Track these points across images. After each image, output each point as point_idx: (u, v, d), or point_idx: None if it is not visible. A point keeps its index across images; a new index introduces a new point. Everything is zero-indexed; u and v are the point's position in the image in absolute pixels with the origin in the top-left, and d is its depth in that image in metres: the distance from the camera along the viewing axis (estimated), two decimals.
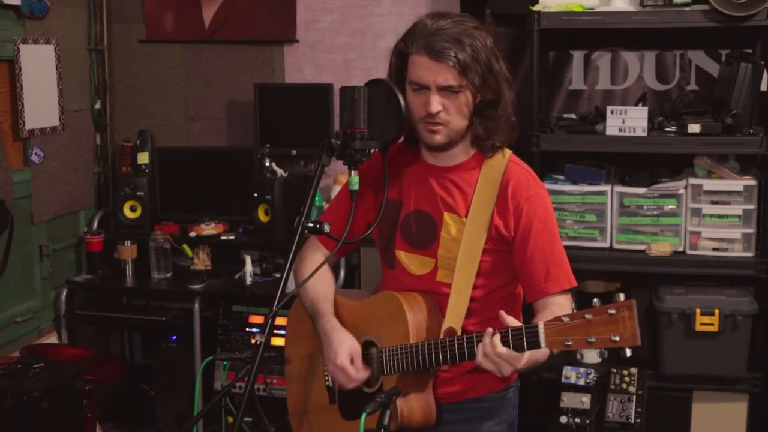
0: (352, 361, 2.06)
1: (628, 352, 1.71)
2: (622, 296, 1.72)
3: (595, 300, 1.77)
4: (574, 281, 2.07)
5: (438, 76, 1.97)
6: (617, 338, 1.70)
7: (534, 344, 1.80)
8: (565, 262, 2.07)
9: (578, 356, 1.80)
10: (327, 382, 2.22)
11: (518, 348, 1.82)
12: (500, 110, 2.04)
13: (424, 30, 1.99)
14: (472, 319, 2.06)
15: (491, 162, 2.09)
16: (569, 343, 1.75)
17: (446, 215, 2.09)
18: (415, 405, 2.06)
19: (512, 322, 1.85)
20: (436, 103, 1.98)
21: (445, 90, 1.98)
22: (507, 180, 2.06)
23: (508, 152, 2.12)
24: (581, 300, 3.28)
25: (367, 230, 2.18)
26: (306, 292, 2.21)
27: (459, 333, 2.00)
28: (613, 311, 1.70)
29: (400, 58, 2.05)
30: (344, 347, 2.07)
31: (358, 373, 2.06)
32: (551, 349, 1.82)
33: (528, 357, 1.84)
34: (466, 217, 2.06)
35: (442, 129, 2.02)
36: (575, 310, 1.79)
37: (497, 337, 1.84)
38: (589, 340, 1.72)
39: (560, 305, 2.00)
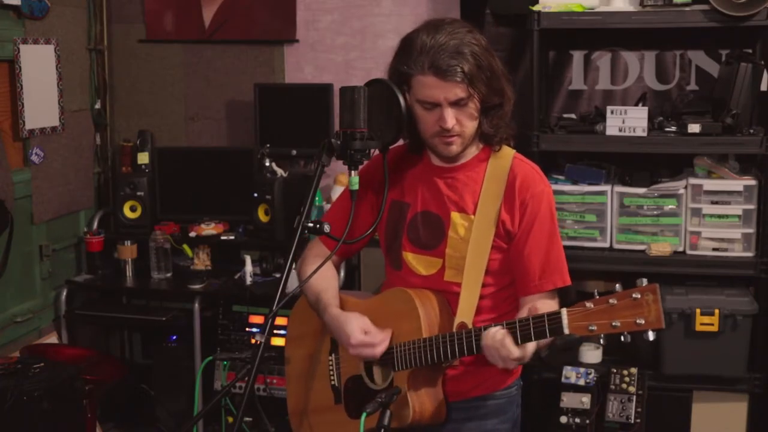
0: (366, 333, 2.07)
1: (651, 336, 1.74)
2: (645, 281, 1.74)
3: (618, 285, 1.78)
4: (568, 280, 2.09)
5: (448, 92, 1.99)
6: (642, 321, 1.73)
7: (557, 330, 1.82)
8: (561, 261, 2.09)
9: (601, 341, 1.81)
10: (332, 382, 2.22)
11: (540, 335, 1.84)
12: (505, 106, 2.07)
13: (423, 49, 1.98)
14: (482, 316, 2.08)
15: (497, 158, 2.11)
16: (593, 327, 1.77)
17: (454, 215, 2.10)
18: (426, 401, 2.07)
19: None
20: (450, 118, 2.00)
21: (456, 103, 2.00)
22: (514, 175, 2.08)
23: (512, 150, 2.14)
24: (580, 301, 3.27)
25: (374, 232, 2.19)
26: (310, 289, 2.21)
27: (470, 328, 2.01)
28: (637, 295, 1.73)
29: (400, 78, 2.04)
30: (353, 325, 2.08)
31: (377, 338, 2.06)
32: (574, 334, 1.83)
33: (532, 347, 1.86)
34: (473, 214, 2.07)
35: (457, 139, 2.04)
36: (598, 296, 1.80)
37: (507, 338, 1.86)
38: (614, 324, 1.75)
39: (549, 306, 2.01)
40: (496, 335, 1.88)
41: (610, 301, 1.76)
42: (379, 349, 2.06)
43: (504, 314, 2.11)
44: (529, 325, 1.85)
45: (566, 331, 1.80)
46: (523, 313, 1.98)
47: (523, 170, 2.10)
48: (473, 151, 2.13)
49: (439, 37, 1.99)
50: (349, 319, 2.09)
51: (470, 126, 2.04)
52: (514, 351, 1.86)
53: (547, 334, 1.83)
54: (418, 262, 2.15)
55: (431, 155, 2.16)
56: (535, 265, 2.05)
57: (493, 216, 2.06)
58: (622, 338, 1.77)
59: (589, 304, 1.78)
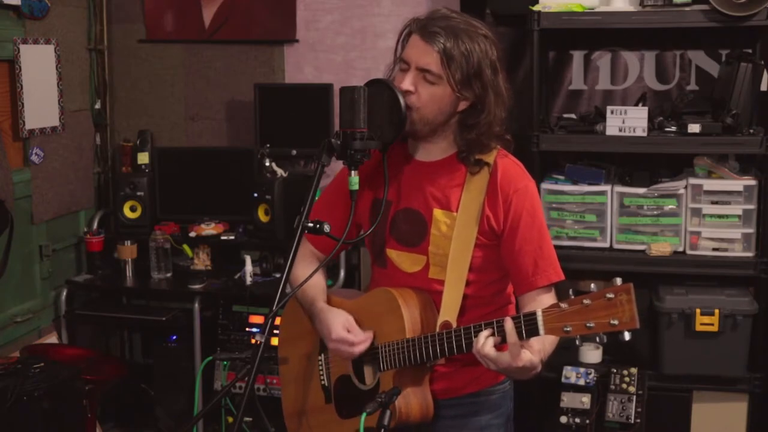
0: (348, 331, 2.07)
1: (627, 336, 1.73)
2: (619, 280, 1.73)
3: (593, 285, 1.77)
4: (562, 275, 2.07)
5: (421, 57, 1.99)
6: (616, 322, 1.71)
7: (533, 332, 1.81)
8: (553, 256, 2.07)
9: (577, 342, 1.80)
10: (322, 382, 2.22)
11: (518, 336, 1.83)
12: (482, 120, 2.02)
13: (432, 14, 2.02)
14: (466, 315, 2.07)
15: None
16: (568, 329, 1.76)
17: (436, 212, 2.09)
18: (412, 401, 2.06)
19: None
20: (408, 82, 2.00)
21: (423, 74, 1.99)
22: (495, 171, 2.06)
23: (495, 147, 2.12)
24: None
25: (359, 230, 2.19)
26: (302, 294, 2.21)
27: (454, 327, 2.00)
28: (611, 295, 1.72)
29: (405, 37, 2.06)
30: (336, 321, 2.08)
31: (358, 337, 2.06)
32: (552, 335, 1.82)
33: (528, 357, 1.84)
34: (456, 211, 2.06)
35: (408, 113, 2.01)
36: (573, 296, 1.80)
37: (490, 340, 1.86)
38: (588, 324, 1.74)
39: (546, 304, 2.00)
40: (479, 339, 1.87)
41: (585, 301, 1.74)
42: (358, 349, 2.06)
43: (490, 313, 2.10)
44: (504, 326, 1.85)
45: (542, 332, 1.80)
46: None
47: (505, 166, 2.07)
48: (453, 148, 2.10)
49: (454, 15, 2.02)
50: (334, 315, 2.10)
51: (428, 108, 2.00)
52: (491, 352, 1.85)
53: (524, 336, 1.83)
54: (402, 260, 2.14)
55: (415, 151, 2.14)
56: (528, 261, 2.04)
57: (477, 212, 2.04)
58: (598, 339, 1.76)
59: (563, 305, 1.77)
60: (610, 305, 1.72)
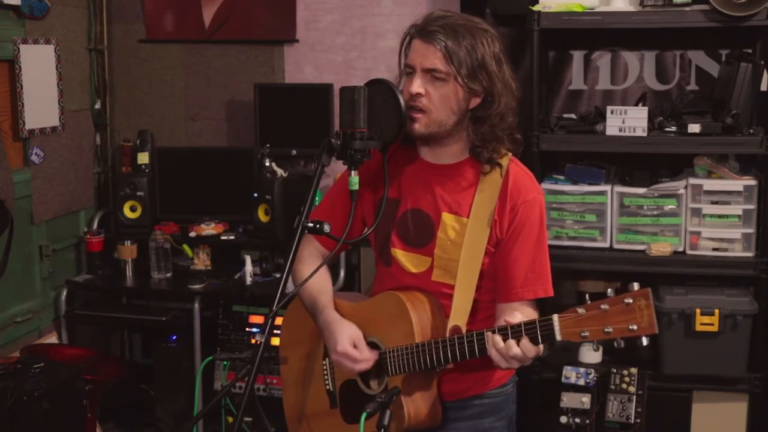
0: (354, 347, 2.05)
1: (645, 341, 1.72)
2: (636, 285, 1.73)
3: (609, 290, 1.77)
4: (551, 291, 2.07)
5: (425, 58, 1.98)
6: (635, 327, 1.71)
7: (549, 337, 1.81)
8: (546, 272, 2.07)
9: (593, 347, 1.81)
10: (327, 386, 2.21)
11: (533, 342, 1.84)
12: (493, 112, 2.02)
13: (428, 17, 2.02)
14: (475, 317, 2.07)
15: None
16: (585, 333, 1.76)
17: (445, 215, 2.08)
18: (421, 405, 2.06)
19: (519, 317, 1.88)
20: (417, 85, 1.99)
21: (430, 74, 1.98)
22: (507, 179, 2.06)
23: (507, 153, 2.12)
24: (581, 300, 3.27)
25: (364, 229, 2.18)
26: (305, 291, 2.20)
27: (464, 331, 2.00)
28: (629, 300, 1.71)
29: (406, 43, 2.06)
30: (345, 334, 2.06)
31: (363, 355, 2.04)
32: (567, 340, 1.82)
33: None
34: (467, 216, 2.06)
35: (422, 117, 2.01)
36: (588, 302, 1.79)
37: (511, 341, 1.86)
38: (606, 330, 1.74)
39: (527, 314, 2.00)
40: (509, 343, 1.87)
41: (602, 306, 1.74)
42: (359, 367, 2.04)
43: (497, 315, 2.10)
44: (521, 331, 1.85)
45: (558, 337, 1.80)
46: (499, 323, 1.94)
47: (516, 175, 2.08)
48: (464, 153, 2.10)
49: (450, 14, 2.02)
50: (342, 327, 2.08)
51: (440, 109, 2.00)
52: (519, 352, 1.85)
53: (539, 341, 1.83)
54: (407, 260, 2.14)
55: (424, 152, 2.14)
56: (519, 272, 2.04)
57: (487, 219, 2.04)
58: (615, 344, 1.75)
59: (581, 310, 1.77)
60: (629, 310, 1.71)
